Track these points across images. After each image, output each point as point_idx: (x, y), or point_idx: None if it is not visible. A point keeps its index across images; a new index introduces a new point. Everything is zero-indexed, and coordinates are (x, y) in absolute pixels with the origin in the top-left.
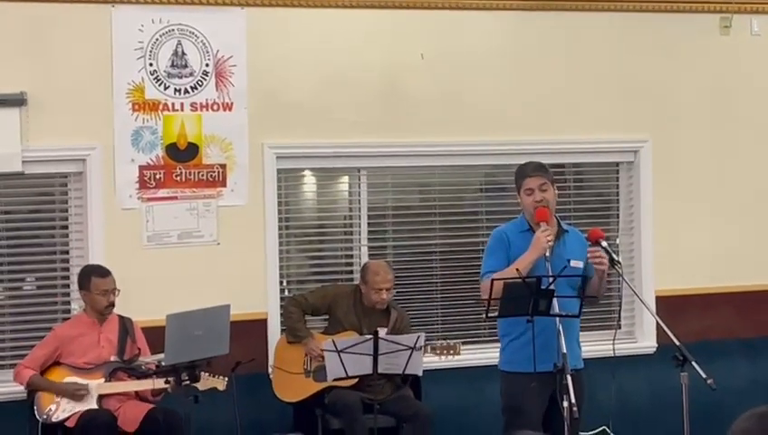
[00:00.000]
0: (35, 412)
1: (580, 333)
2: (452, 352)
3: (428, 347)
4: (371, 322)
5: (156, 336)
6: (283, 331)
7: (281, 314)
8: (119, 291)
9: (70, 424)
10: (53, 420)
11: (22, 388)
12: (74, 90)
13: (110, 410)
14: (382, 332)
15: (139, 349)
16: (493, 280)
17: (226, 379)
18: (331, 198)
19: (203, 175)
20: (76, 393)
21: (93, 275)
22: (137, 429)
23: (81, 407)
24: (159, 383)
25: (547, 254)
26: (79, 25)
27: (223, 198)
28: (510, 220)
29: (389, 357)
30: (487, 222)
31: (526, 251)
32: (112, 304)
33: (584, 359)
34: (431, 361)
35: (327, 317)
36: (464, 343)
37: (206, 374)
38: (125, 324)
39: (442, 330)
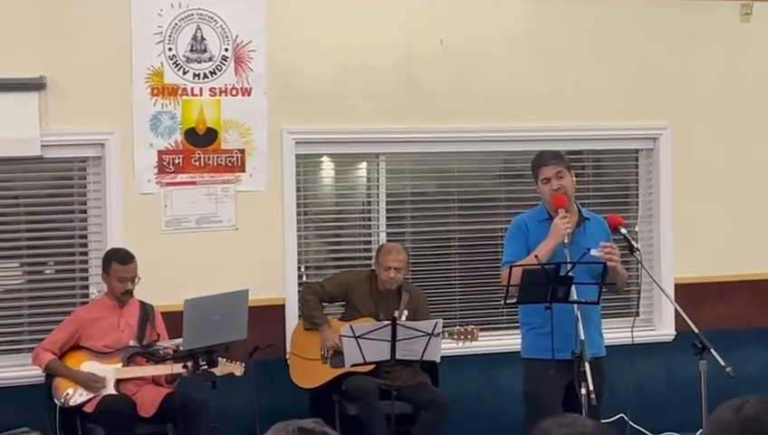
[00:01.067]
0: (53, 396)
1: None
2: (469, 337)
3: (446, 332)
4: (387, 306)
5: (174, 321)
6: (300, 317)
7: (298, 301)
8: (139, 279)
9: (88, 409)
10: (71, 403)
11: (40, 371)
12: (94, 74)
13: (129, 396)
14: (399, 314)
15: (159, 334)
16: (511, 267)
17: (244, 365)
18: (349, 184)
19: (221, 160)
20: (92, 385)
21: (114, 261)
22: (154, 413)
23: (99, 392)
24: (177, 368)
25: (566, 241)
26: (98, 10)
27: (241, 184)
28: (530, 208)
29: (407, 343)
30: (506, 208)
31: (545, 239)
32: (130, 292)
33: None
34: (449, 347)
35: (344, 304)
36: (481, 330)
37: (224, 360)
38: (146, 310)
39: (460, 316)
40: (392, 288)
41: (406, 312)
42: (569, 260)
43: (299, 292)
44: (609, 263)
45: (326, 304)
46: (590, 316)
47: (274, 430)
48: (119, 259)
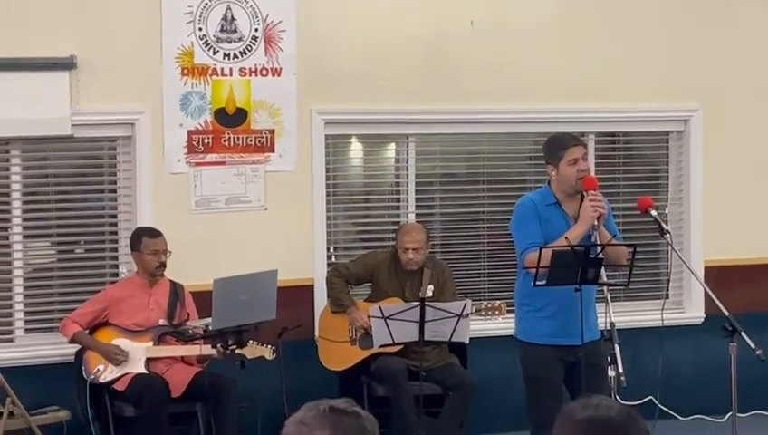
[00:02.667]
0: (84, 371)
1: (629, 302)
2: (497, 312)
3: (473, 309)
4: (413, 285)
5: (203, 301)
6: (328, 298)
7: (326, 284)
8: (170, 252)
9: (120, 387)
10: (101, 380)
11: (71, 350)
12: (124, 54)
13: (162, 377)
14: (424, 290)
15: (188, 314)
16: (541, 248)
17: (274, 348)
18: (378, 165)
19: (251, 140)
20: (114, 358)
21: (144, 236)
22: (183, 393)
23: (129, 369)
24: (207, 349)
25: (596, 223)
26: None
27: (271, 164)
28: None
29: (436, 324)
30: (534, 190)
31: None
32: (163, 265)
33: (632, 329)
34: (478, 328)
35: (370, 285)
36: (510, 311)
37: (254, 343)
38: (176, 290)
39: (489, 298)
40: (413, 268)
41: (431, 287)
42: (599, 241)
43: (328, 272)
44: (593, 213)
45: (353, 285)
46: (589, 299)
47: (306, 409)
48: (148, 234)
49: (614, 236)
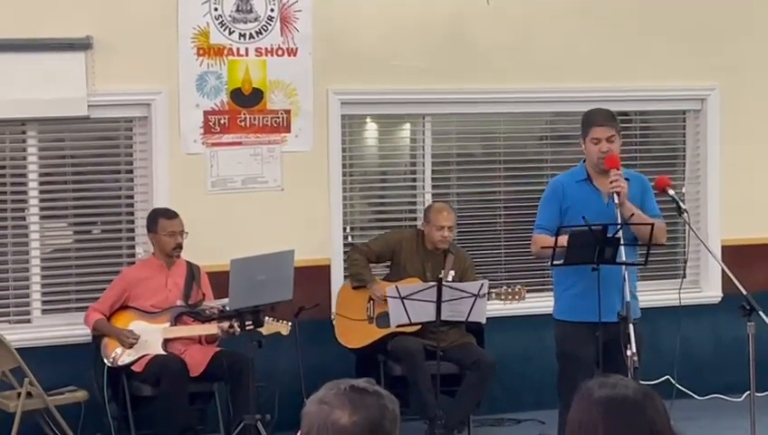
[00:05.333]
0: (102, 355)
1: (646, 282)
2: (517, 297)
3: (493, 293)
4: (434, 266)
5: (220, 281)
6: (345, 278)
7: (344, 262)
8: (186, 233)
9: (137, 368)
10: (119, 363)
11: (87, 331)
12: (140, 34)
13: (180, 357)
14: (445, 274)
15: (204, 294)
16: (558, 234)
17: (290, 323)
18: (394, 145)
19: (267, 121)
20: (125, 341)
21: (161, 217)
22: (202, 372)
23: (147, 351)
24: (224, 327)
25: (616, 200)
26: None
27: (287, 144)
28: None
29: (453, 304)
30: (551, 170)
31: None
32: (180, 246)
33: (650, 308)
34: (494, 308)
35: (389, 265)
36: (527, 292)
37: (270, 319)
38: (192, 270)
39: (506, 278)
40: (444, 247)
41: (452, 272)
42: (620, 221)
43: (344, 253)
44: (614, 190)
45: (372, 264)
46: (611, 279)
47: (326, 388)
48: (165, 215)
49: (653, 217)
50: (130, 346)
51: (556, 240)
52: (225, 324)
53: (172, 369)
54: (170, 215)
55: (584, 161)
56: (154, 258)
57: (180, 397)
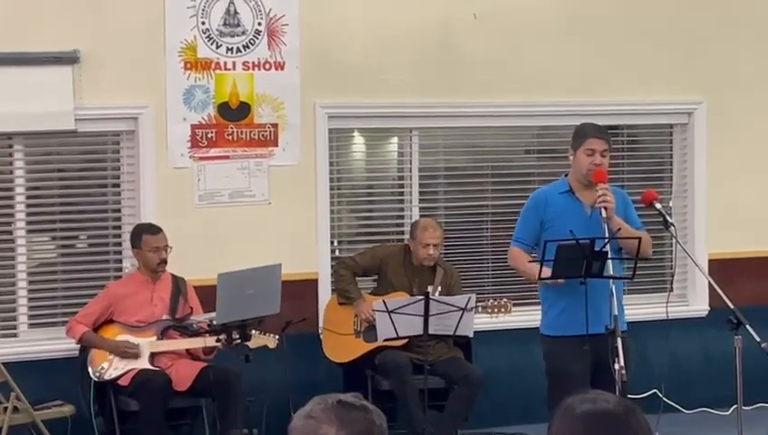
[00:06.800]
0: (88, 370)
1: (633, 295)
2: (503, 310)
3: (479, 307)
4: (421, 281)
5: (207, 295)
6: (333, 292)
7: (331, 276)
8: (171, 248)
9: (123, 383)
10: (106, 377)
11: (74, 345)
12: (127, 48)
13: (164, 370)
14: (432, 290)
15: (191, 308)
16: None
17: (277, 337)
18: (382, 159)
19: (255, 134)
20: (126, 352)
21: (144, 233)
22: (189, 387)
23: (134, 365)
24: (211, 341)
25: (604, 214)
26: None
27: (274, 158)
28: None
29: (440, 318)
30: (539, 184)
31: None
32: (164, 261)
33: (636, 322)
34: (482, 322)
35: (376, 278)
36: (514, 305)
37: (257, 332)
38: (178, 284)
39: (493, 291)
40: (430, 264)
41: (439, 288)
42: (607, 235)
43: (332, 266)
44: (601, 205)
45: (359, 277)
46: (602, 293)
47: (313, 402)
48: (149, 231)
49: (637, 229)
50: (133, 357)
51: (541, 269)
52: (223, 338)
53: (153, 383)
54: (154, 230)
55: (566, 175)
56: (139, 273)
57: (158, 411)
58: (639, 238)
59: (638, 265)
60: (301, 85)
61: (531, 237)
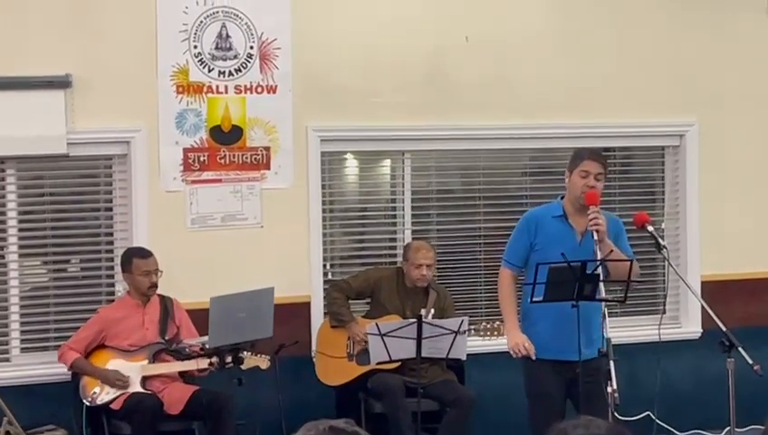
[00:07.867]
0: (80, 395)
1: (625, 317)
2: (495, 333)
3: (472, 329)
4: (414, 304)
5: (200, 319)
6: (325, 315)
7: (324, 299)
8: (161, 272)
9: (115, 406)
10: (98, 402)
11: (65, 369)
12: (119, 72)
13: (155, 394)
14: (426, 313)
15: (178, 327)
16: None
17: (269, 358)
18: (374, 181)
19: (247, 158)
20: (117, 383)
21: (135, 257)
22: (181, 411)
23: (126, 389)
24: (203, 364)
25: (595, 237)
26: (124, 8)
27: (267, 181)
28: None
29: (433, 341)
30: (531, 206)
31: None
32: (155, 285)
33: (629, 344)
34: (475, 344)
35: (369, 301)
36: None
37: (249, 353)
38: (165, 304)
39: (486, 314)
40: (423, 285)
41: (432, 310)
42: (599, 257)
43: (324, 289)
44: (593, 227)
45: (352, 300)
46: (589, 316)
47: (305, 428)
48: (139, 255)
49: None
50: (123, 387)
51: (535, 277)
52: (216, 361)
53: (145, 406)
54: (144, 254)
55: (561, 198)
56: (129, 297)
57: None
58: (631, 260)
59: (629, 287)
60: (293, 108)
61: (520, 258)
